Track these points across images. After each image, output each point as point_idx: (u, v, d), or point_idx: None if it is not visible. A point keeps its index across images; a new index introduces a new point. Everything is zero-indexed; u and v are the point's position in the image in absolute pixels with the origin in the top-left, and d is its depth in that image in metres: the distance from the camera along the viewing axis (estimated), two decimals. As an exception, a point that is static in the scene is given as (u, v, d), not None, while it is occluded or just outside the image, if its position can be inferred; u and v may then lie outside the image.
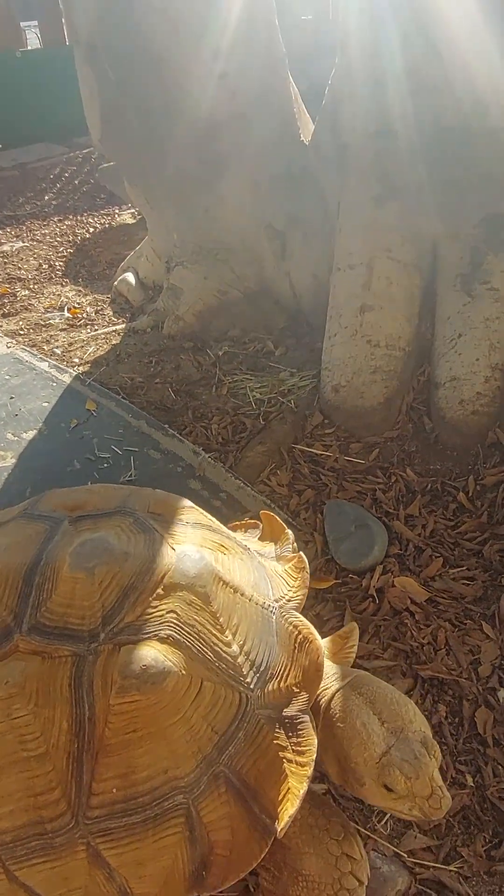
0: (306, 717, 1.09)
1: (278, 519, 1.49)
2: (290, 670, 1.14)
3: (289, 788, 1.02)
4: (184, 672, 1.03)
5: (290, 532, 1.42)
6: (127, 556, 1.15)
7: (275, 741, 1.05)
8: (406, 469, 2.12)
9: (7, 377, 2.94)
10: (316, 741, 1.08)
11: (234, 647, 1.10)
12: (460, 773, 1.38)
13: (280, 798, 1.00)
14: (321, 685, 1.17)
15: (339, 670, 1.24)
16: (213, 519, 1.40)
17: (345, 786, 1.13)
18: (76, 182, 6.15)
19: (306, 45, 7.92)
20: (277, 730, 1.07)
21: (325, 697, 1.17)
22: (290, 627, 1.20)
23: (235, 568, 1.23)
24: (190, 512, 1.34)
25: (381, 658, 1.58)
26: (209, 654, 1.07)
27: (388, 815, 1.32)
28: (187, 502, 1.39)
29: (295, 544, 1.40)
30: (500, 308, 2.21)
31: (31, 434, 2.50)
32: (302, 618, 1.23)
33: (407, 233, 2.37)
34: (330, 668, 1.24)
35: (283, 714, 1.08)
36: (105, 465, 2.28)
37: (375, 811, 1.32)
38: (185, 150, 2.77)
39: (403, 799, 1.03)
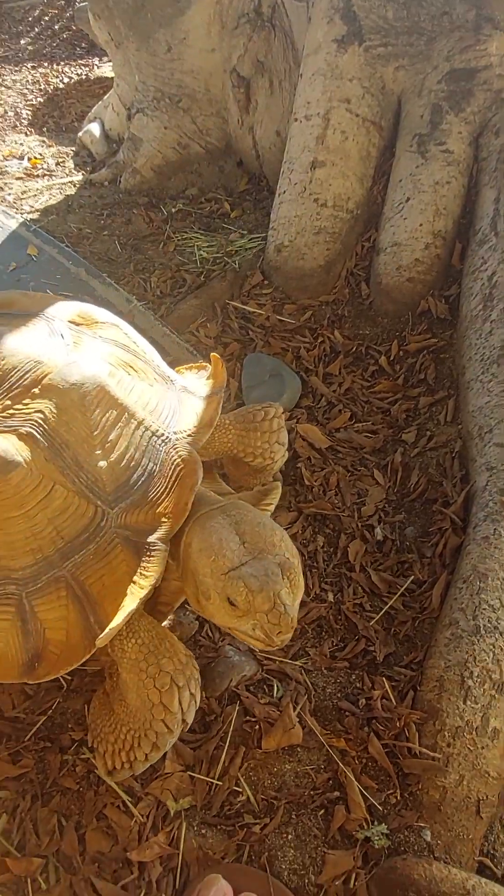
0: (162, 546, 1.08)
1: (221, 363, 1.36)
2: (162, 500, 1.11)
3: (122, 605, 1.02)
4: (34, 470, 1.04)
5: (226, 378, 1.35)
6: (14, 352, 1.15)
7: (125, 562, 1.06)
8: (334, 331, 2.12)
9: (-47, 219, 2.84)
10: (162, 568, 1.06)
11: (103, 463, 1.09)
12: (324, 590, 1.49)
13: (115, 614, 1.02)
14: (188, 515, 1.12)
15: (216, 498, 1.20)
16: (143, 344, 1.35)
17: (198, 609, 1.11)
18: (56, 27, 5.63)
19: None
20: (132, 553, 1.06)
21: (192, 520, 1.12)
22: (178, 459, 1.15)
23: (137, 389, 1.20)
24: (111, 329, 1.30)
25: (271, 493, 1.66)
26: (70, 461, 1.07)
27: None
28: (117, 320, 1.34)
29: (223, 391, 1.32)
30: (451, 172, 2.13)
31: (-32, 274, 2.46)
32: (194, 454, 1.17)
33: (369, 84, 2.23)
34: (208, 495, 1.21)
35: (143, 540, 1.07)
36: (38, 306, 2.26)
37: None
38: (145, -28, 2.53)
39: (246, 616, 1.00)
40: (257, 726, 1.25)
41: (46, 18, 5.80)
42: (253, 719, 1.26)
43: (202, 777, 1.18)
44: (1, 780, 1.16)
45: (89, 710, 1.23)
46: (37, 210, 2.92)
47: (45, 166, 3.42)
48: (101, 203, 2.92)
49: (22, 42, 5.37)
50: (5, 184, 3.22)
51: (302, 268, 2.25)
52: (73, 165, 3.43)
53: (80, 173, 3.33)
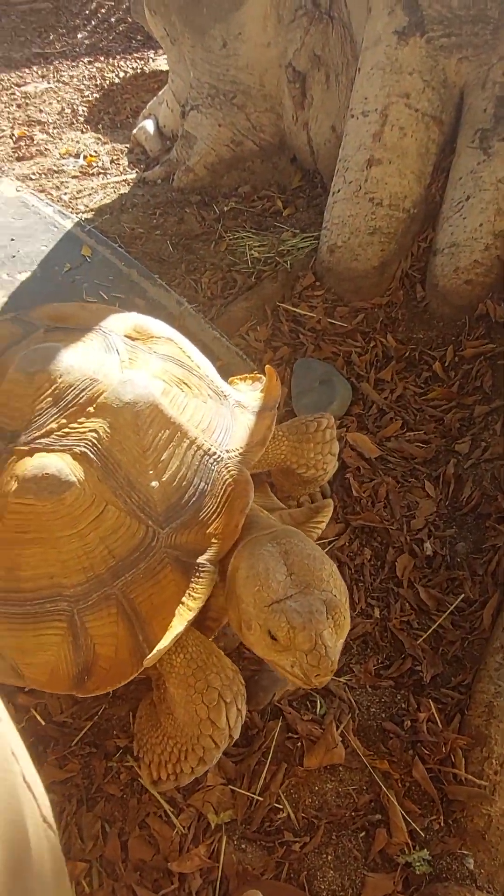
0: (211, 568, 1.09)
1: (276, 376, 1.36)
2: (212, 520, 1.12)
3: (170, 626, 1.04)
4: (87, 490, 1.06)
5: (280, 389, 1.36)
6: (71, 370, 1.17)
7: (174, 582, 1.07)
8: (387, 335, 2.07)
9: (11, 220, 2.91)
10: (209, 590, 1.07)
11: (154, 483, 1.10)
12: (370, 606, 1.46)
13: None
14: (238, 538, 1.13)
15: (268, 522, 1.19)
16: (198, 358, 1.35)
17: (240, 635, 1.11)
18: (112, 20, 5.68)
19: None
20: (182, 573, 1.08)
21: (242, 542, 1.12)
22: (229, 479, 1.16)
23: (190, 407, 1.21)
24: (166, 344, 1.32)
25: (318, 503, 1.64)
26: (122, 481, 1.09)
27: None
28: (172, 334, 1.35)
29: (277, 404, 1.32)
30: (516, 169, 2.04)
31: (24, 275, 2.51)
32: (246, 474, 1.17)
33: (430, 77, 2.15)
34: (259, 517, 1.20)
35: (193, 560, 1.09)
36: (91, 308, 2.29)
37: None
38: (202, -33, 2.51)
39: (286, 652, 0.99)
40: (299, 743, 1.25)
41: (103, 11, 5.85)
42: (295, 736, 1.25)
43: (243, 791, 1.19)
44: (48, 783, 1.19)
45: (135, 719, 1.25)
46: (91, 209, 2.96)
47: (99, 164, 3.46)
48: (154, 202, 2.93)
49: (79, 36, 5.43)
50: (62, 183, 3.28)
51: (355, 269, 2.21)
52: (127, 163, 3.46)
53: (133, 171, 3.35)
